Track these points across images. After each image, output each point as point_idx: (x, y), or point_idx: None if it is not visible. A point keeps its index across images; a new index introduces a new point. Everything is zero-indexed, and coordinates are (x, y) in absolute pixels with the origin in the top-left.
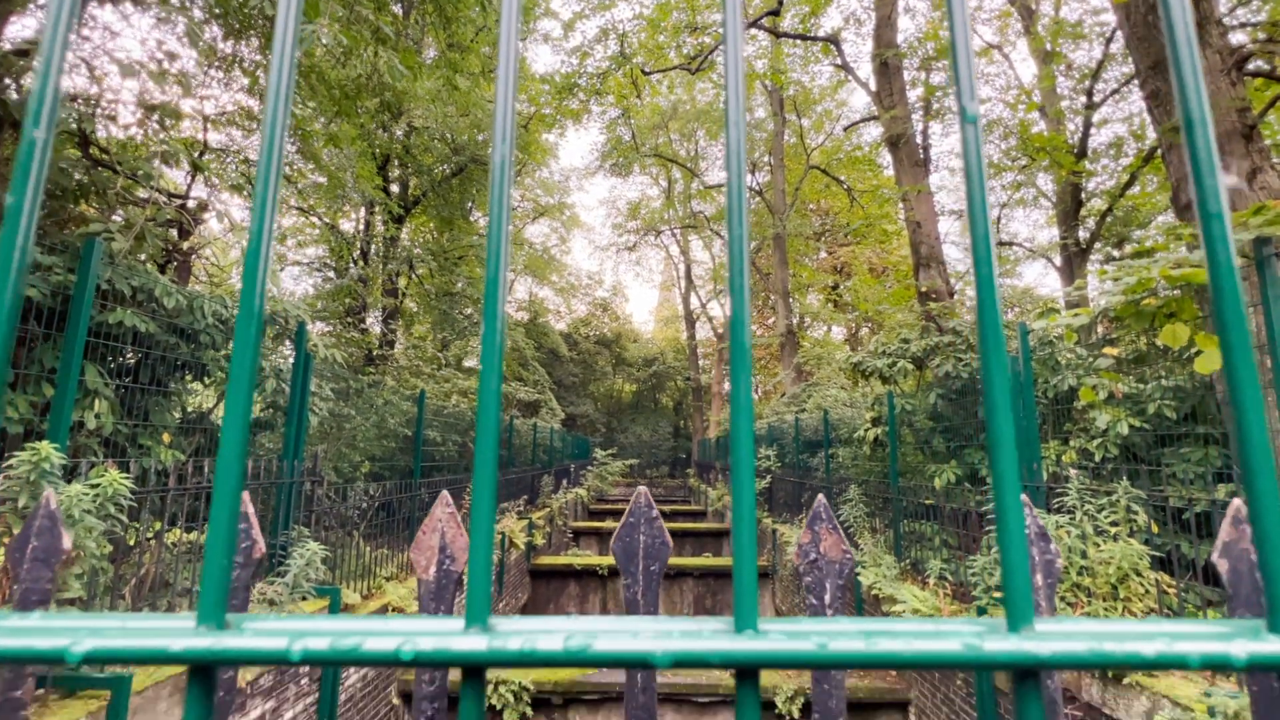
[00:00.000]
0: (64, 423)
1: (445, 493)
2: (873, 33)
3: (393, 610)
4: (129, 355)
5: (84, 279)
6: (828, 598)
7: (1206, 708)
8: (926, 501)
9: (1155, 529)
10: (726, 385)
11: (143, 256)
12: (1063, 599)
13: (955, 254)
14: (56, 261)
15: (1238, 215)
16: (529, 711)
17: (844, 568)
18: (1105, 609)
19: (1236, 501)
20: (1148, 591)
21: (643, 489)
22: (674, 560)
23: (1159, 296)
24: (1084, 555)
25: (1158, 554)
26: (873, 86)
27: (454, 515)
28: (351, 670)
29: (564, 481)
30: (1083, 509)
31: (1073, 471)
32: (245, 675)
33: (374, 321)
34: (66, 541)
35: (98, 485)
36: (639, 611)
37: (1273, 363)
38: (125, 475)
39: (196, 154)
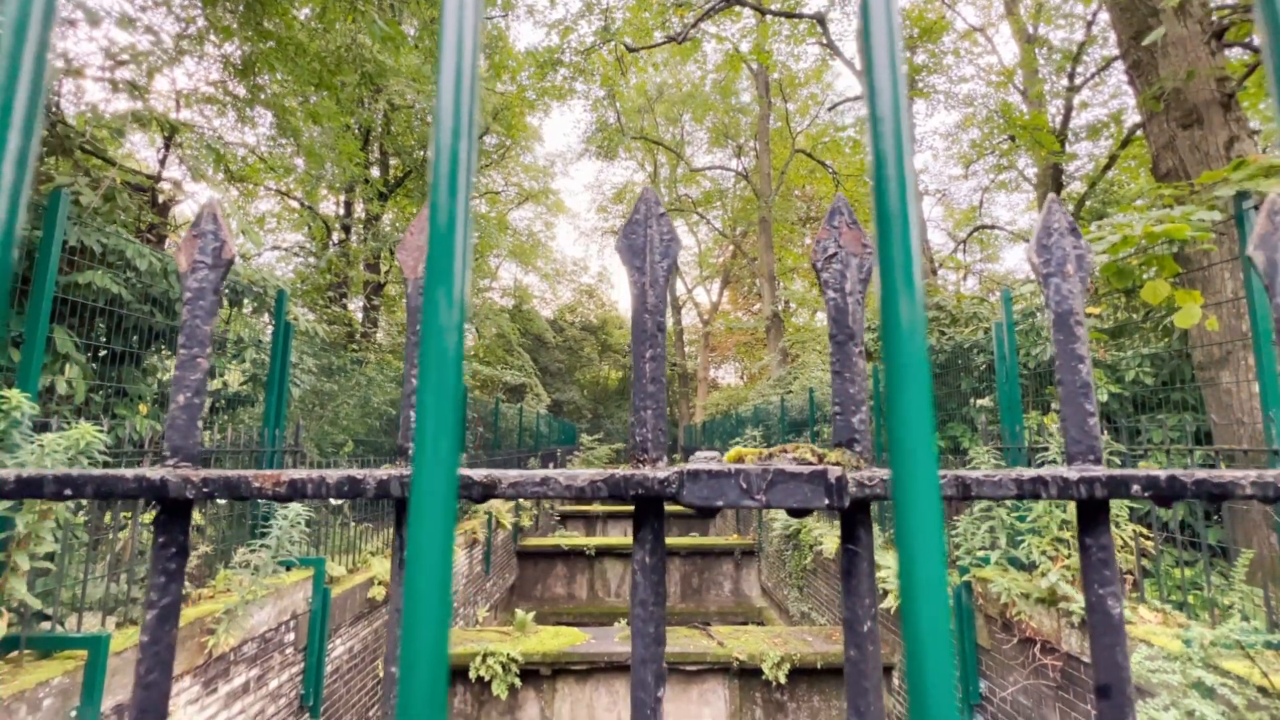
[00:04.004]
0: (32, 386)
1: None
2: (858, 10)
3: (378, 584)
4: (100, 323)
5: (50, 233)
6: (848, 285)
7: (1184, 640)
8: None
9: None
10: (713, 371)
11: (112, 229)
12: (1044, 553)
13: (939, 238)
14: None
15: (1218, 171)
16: (517, 683)
17: (865, 262)
18: None
19: (1273, 195)
20: (1125, 544)
21: (649, 188)
22: None
23: (1141, 254)
24: (1064, 509)
25: (1135, 507)
26: (858, 66)
27: None
28: (338, 642)
29: (550, 465)
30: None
31: (1055, 428)
32: (228, 640)
33: (356, 309)
34: None
35: (70, 435)
36: (646, 307)
37: (1251, 320)
38: (100, 428)
39: (168, 132)
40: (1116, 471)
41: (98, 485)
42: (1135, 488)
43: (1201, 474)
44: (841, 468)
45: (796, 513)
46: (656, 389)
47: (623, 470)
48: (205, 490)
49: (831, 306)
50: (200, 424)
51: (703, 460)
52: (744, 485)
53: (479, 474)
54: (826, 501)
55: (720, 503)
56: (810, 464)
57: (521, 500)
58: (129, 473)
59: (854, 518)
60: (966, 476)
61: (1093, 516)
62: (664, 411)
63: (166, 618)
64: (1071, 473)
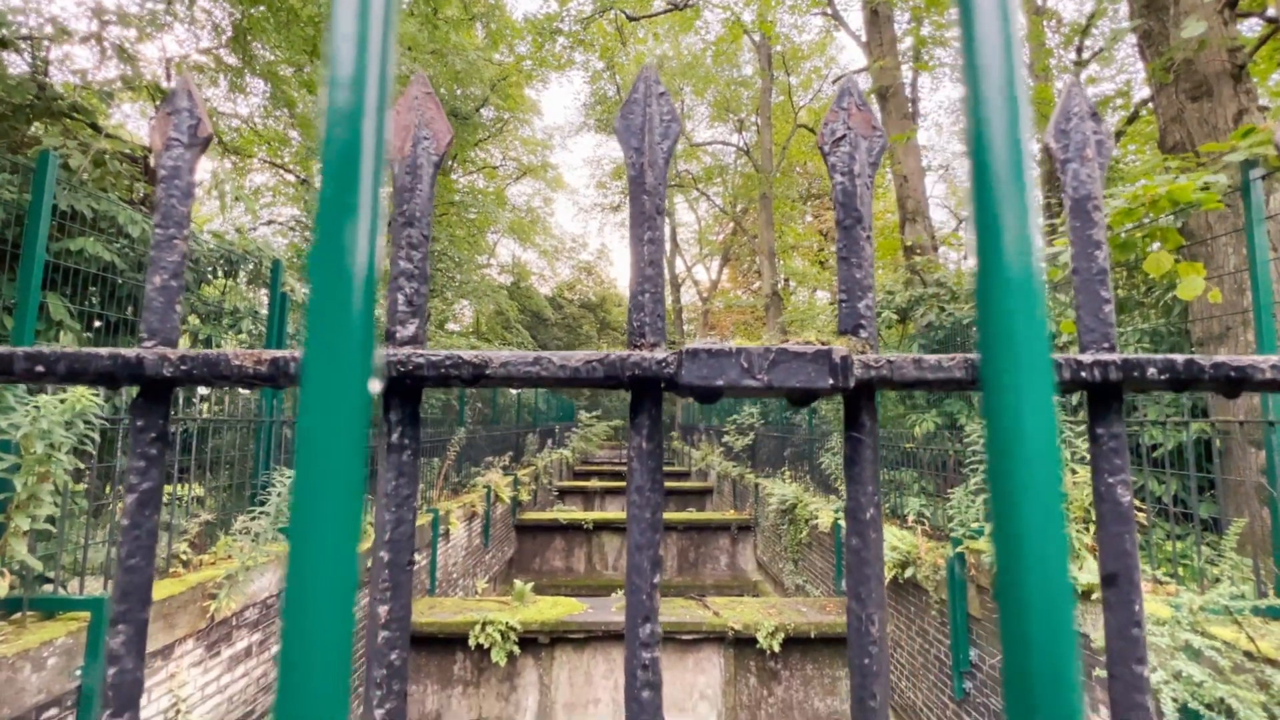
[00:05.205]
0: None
1: (421, 72)
2: None
3: None
4: (93, 291)
5: (39, 196)
6: (856, 168)
7: (1173, 605)
8: (907, 446)
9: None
10: None
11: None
12: None
13: (940, 216)
14: (8, 180)
15: (1224, 143)
16: (516, 650)
17: (874, 145)
18: (1078, 530)
19: None
20: None
21: (650, 65)
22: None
23: (1145, 226)
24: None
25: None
26: (863, 37)
27: (432, 95)
28: None
29: (549, 442)
30: (1060, 436)
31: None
32: (230, 605)
33: None
34: None
35: (65, 399)
36: (645, 189)
37: (1253, 293)
38: (96, 392)
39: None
40: (1131, 355)
41: (70, 363)
42: (1151, 371)
43: (1221, 358)
44: (847, 350)
45: (798, 399)
46: (655, 273)
47: (619, 351)
48: (184, 369)
49: (839, 190)
50: (178, 309)
51: (702, 341)
52: (745, 364)
53: (469, 354)
54: (831, 382)
55: (720, 382)
56: (814, 345)
57: (520, 475)
58: (104, 351)
59: (858, 402)
60: (973, 358)
61: (1105, 404)
62: (662, 296)
63: (146, 503)
64: (1085, 356)
